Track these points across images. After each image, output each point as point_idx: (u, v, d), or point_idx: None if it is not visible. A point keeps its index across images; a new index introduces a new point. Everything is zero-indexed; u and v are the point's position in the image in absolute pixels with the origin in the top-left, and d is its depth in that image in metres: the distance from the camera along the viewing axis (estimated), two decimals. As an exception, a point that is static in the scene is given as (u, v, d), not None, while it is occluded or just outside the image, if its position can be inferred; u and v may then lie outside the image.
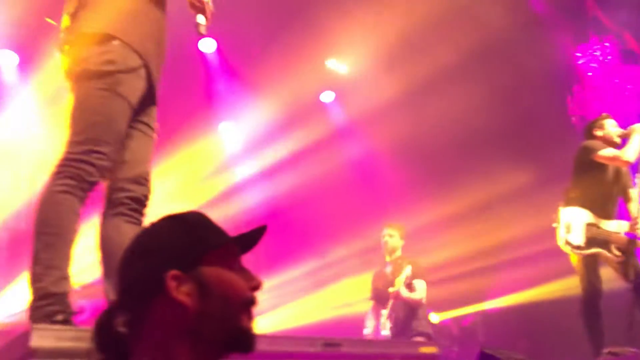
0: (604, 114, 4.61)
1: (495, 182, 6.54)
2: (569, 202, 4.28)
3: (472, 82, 6.46)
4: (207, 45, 6.31)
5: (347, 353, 2.09)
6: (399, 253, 4.95)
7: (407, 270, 4.70)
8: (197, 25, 2.22)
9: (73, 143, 1.96)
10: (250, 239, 1.20)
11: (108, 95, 1.99)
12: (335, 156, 7.06)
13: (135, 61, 2.06)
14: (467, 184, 6.72)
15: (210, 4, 2.25)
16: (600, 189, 4.24)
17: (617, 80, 6.41)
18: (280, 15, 5.94)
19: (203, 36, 2.22)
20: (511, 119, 6.74)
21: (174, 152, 6.25)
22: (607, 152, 4.18)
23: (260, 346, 1.88)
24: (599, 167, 4.23)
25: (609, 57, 6.48)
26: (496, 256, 6.93)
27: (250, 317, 1.14)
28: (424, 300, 4.79)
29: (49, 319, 1.77)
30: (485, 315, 7.84)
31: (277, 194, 6.93)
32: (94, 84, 1.99)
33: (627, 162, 4.15)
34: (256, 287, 1.16)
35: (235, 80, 6.72)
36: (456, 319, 7.61)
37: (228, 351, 1.12)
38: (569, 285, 4.94)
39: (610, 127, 4.35)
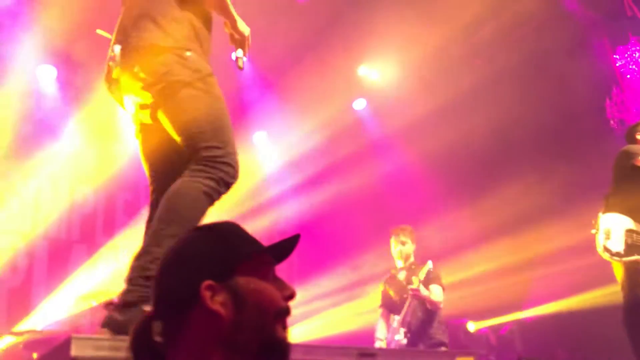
0: None
1: (533, 192, 6.42)
2: (608, 208, 4.16)
3: (508, 90, 6.37)
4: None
5: (382, 363, 2.08)
6: (412, 258, 4.77)
7: (429, 265, 4.54)
8: (236, 58, 2.28)
9: (208, 148, 1.99)
10: (283, 248, 1.21)
11: (212, 98, 2.07)
12: (369, 166, 7.04)
13: (209, 68, 2.14)
14: (505, 195, 6.60)
15: (250, 38, 2.30)
16: None
17: (657, 83, 6.24)
18: (311, 23, 5.97)
19: (242, 70, 2.27)
20: (549, 125, 6.61)
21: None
22: None
23: (295, 355, 1.88)
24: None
25: (649, 58, 6.32)
26: (534, 265, 6.80)
27: (284, 326, 1.14)
28: (441, 305, 4.61)
29: (142, 302, 1.78)
30: (523, 324, 7.69)
31: (312, 204, 6.94)
32: (192, 92, 2.03)
33: None
34: (290, 296, 1.16)
35: (268, 89, 6.77)
36: (493, 328, 7.49)
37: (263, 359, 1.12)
38: (610, 293, 4.81)
39: None
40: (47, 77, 5.89)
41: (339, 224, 7.03)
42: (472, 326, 7.28)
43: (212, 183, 1.96)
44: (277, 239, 1.21)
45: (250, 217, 6.23)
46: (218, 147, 2.00)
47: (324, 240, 6.97)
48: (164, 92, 2.04)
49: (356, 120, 7.28)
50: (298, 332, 6.32)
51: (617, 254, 3.99)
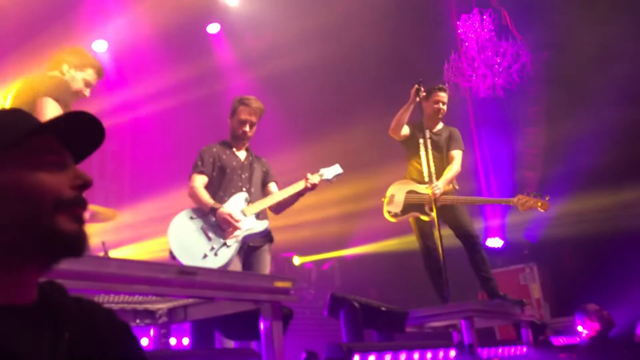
0: (438, 85, 4.75)
1: (366, 130, 6.73)
2: (403, 177, 4.62)
3: (361, 29, 6.52)
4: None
5: (201, 282, 2.07)
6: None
7: (339, 169, 4.03)
8: None
9: None
10: (69, 130, 1.04)
11: None
12: (214, 88, 6.86)
13: None
14: (340, 130, 6.86)
15: None
16: (417, 160, 4.46)
17: (489, 54, 6.79)
18: None
19: None
20: (391, 67, 6.92)
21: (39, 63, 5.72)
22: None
23: (110, 269, 1.82)
24: (414, 138, 4.49)
25: (485, 30, 6.82)
26: (360, 203, 7.20)
27: (73, 217, 1.00)
28: None
29: None
30: (344, 261, 8.23)
31: (153, 119, 6.62)
32: None
33: (392, 133, 4.50)
34: (81, 185, 1.02)
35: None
36: (317, 263, 7.91)
37: (49, 257, 1.00)
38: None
39: (435, 103, 4.57)
40: None
41: (178, 141, 6.75)
42: (297, 260, 7.64)
43: None
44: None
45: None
46: None
47: (163, 158, 6.69)
48: None
49: (207, 43, 7.03)
50: (129, 253, 6.12)
51: (395, 215, 4.49)
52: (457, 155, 4.54)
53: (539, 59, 6.94)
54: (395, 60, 6.91)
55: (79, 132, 1.06)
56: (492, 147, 8.09)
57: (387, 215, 4.54)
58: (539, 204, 4.33)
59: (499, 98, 6.89)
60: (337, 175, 4.00)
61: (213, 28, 7.12)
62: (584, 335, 4.62)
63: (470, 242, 4.38)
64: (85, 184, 1.03)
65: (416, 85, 4.33)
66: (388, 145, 6.28)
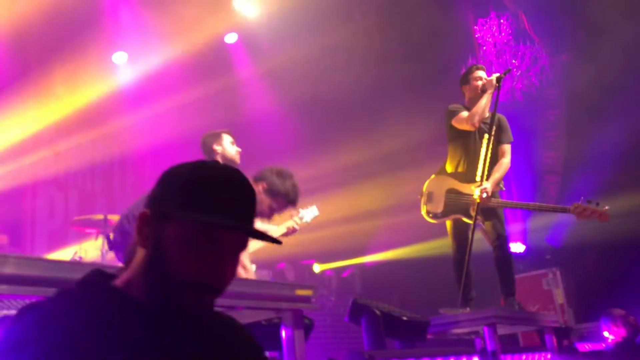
0: (475, 64, 4.49)
1: (387, 138, 6.71)
2: (439, 172, 4.33)
3: (379, 45, 6.54)
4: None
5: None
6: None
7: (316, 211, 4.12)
8: None
9: None
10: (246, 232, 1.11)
11: None
12: (231, 100, 6.91)
13: None
14: (361, 139, 6.85)
15: None
16: (464, 152, 4.23)
17: (507, 57, 6.76)
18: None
19: None
20: (413, 79, 6.91)
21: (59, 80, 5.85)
22: (459, 116, 4.16)
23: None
24: (462, 130, 4.19)
25: (503, 34, 6.80)
26: (381, 213, 7.19)
27: (198, 300, 1.06)
28: None
29: None
30: (364, 268, 8.21)
31: (169, 131, 6.69)
32: None
33: (472, 126, 4.10)
34: (208, 283, 1.06)
35: (134, 7, 6.31)
36: (337, 270, 7.90)
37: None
38: (442, 245, 5.25)
39: (475, 80, 4.20)
40: None
41: (197, 153, 6.86)
42: (317, 267, 7.64)
43: None
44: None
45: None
46: None
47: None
48: None
49: (225, 53, 7.09)
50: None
51: (435, 216, 4.19)
52: (507, 149, 4.26)
53: (559, 61, 6.89)
54: (415, 68, 6.89)
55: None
56: (512, 151, 8.02)
57: (425, 216, 4.22)
58: (598, 215, 3.92)
59: (518, 101, 6.85)
60: (314, 217, 4.09)
61: (231, 38, 7.18)
62: (609, 340, 4.55)
63: (499, 243, 4.13)
64: (213, 285, 1.07)
65: (499, 74, 4.11)
66: (409, 153, 6.22)
